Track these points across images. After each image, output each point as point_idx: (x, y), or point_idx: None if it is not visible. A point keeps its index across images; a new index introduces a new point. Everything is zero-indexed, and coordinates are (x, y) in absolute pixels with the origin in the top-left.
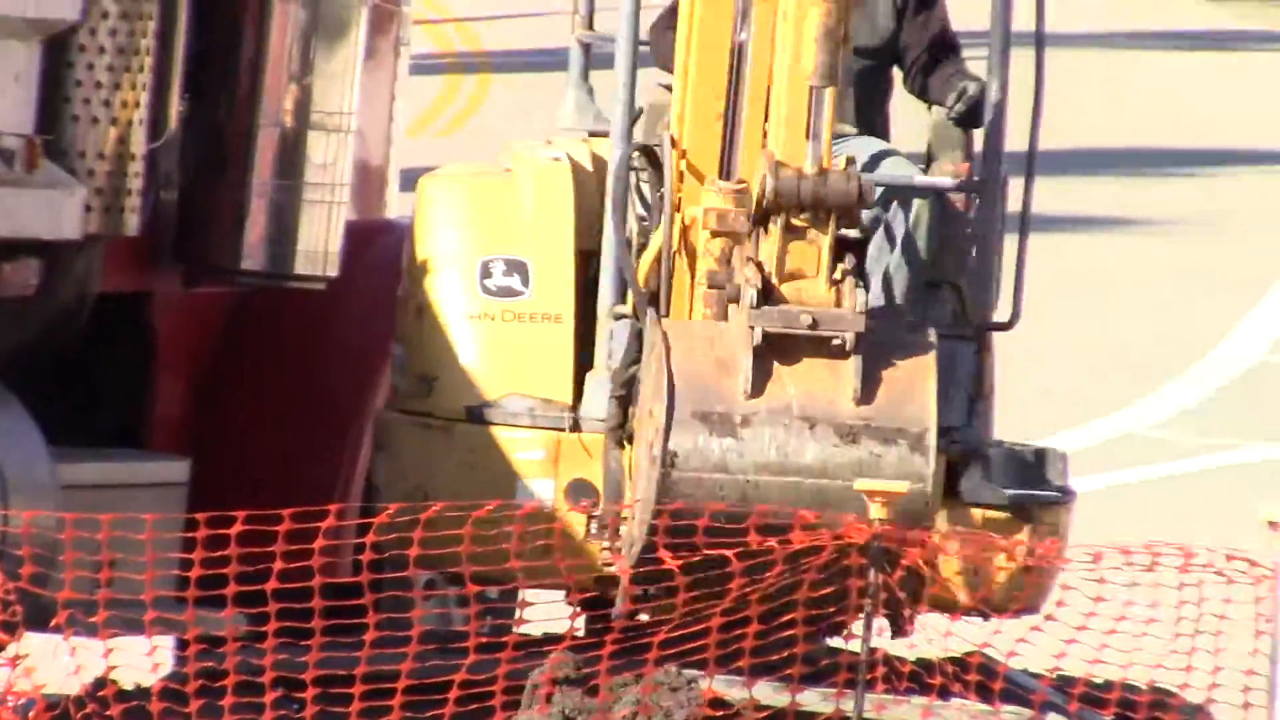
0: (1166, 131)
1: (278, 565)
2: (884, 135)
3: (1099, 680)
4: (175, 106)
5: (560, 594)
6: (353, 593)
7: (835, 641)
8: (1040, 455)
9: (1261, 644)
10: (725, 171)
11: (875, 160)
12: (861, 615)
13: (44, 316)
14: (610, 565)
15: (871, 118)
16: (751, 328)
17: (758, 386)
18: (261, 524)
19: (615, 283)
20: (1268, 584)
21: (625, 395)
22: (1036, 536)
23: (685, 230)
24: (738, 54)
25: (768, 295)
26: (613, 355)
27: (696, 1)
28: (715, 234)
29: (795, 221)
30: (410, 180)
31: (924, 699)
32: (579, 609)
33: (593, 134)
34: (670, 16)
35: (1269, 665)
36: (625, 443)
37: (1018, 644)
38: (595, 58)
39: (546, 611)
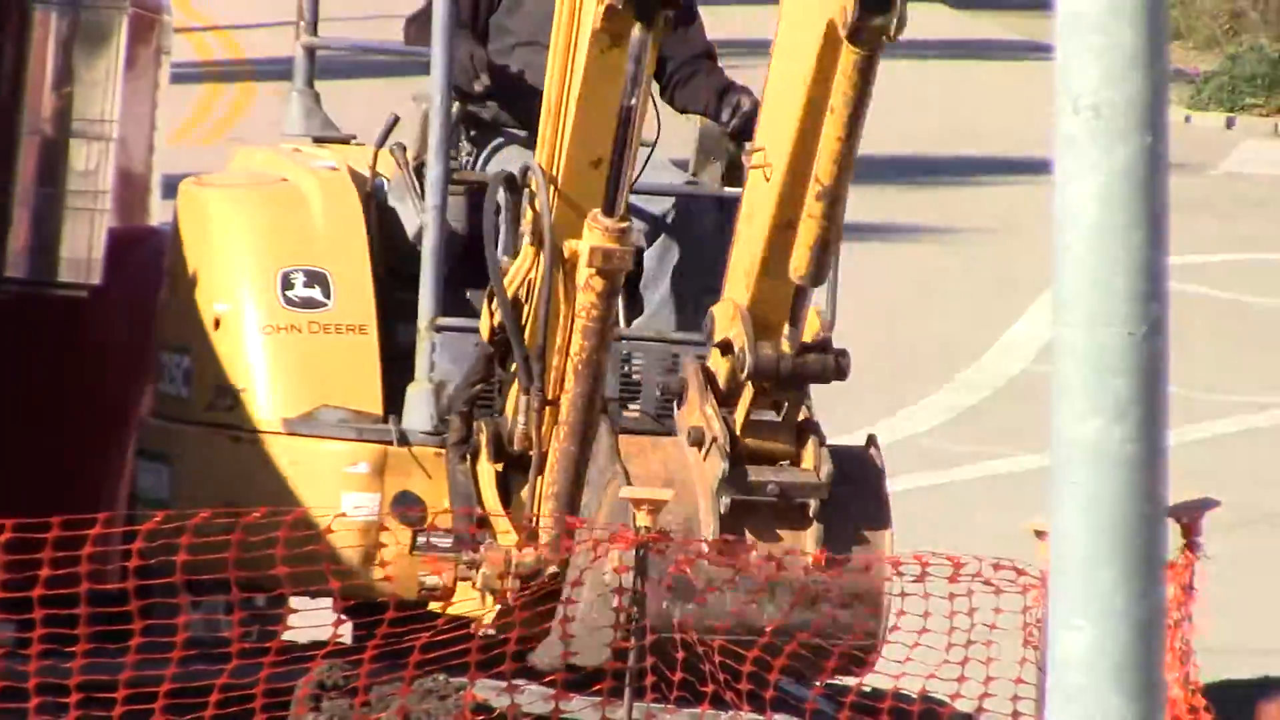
0: (932, 140)
1: (44, 573)
2: None
3: (869, 689)
4: None
5: (326, 601)
6: (120, 601)
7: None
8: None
9: (1029, 653)
10: (609, 208)
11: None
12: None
13: None
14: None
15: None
16: (719, 497)
17: (723, 551)
18: (28, 531)
19: (434, 295)
20: (1034, 593)
21: (468, 411)
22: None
23: (567, 260)
24: (625, 115)
25: (734, 452)
26: (434, 368)
27: (582, 65)
28: (600, 271)
29: (765, 385)
30: (172, 187)
31: (694, 709)
32: (343, 616)
33: (317, 140)
34: (423, 19)
35: (1036, 674)
36: (468, 456)
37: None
38: (320, 66)
39: (311, 619)
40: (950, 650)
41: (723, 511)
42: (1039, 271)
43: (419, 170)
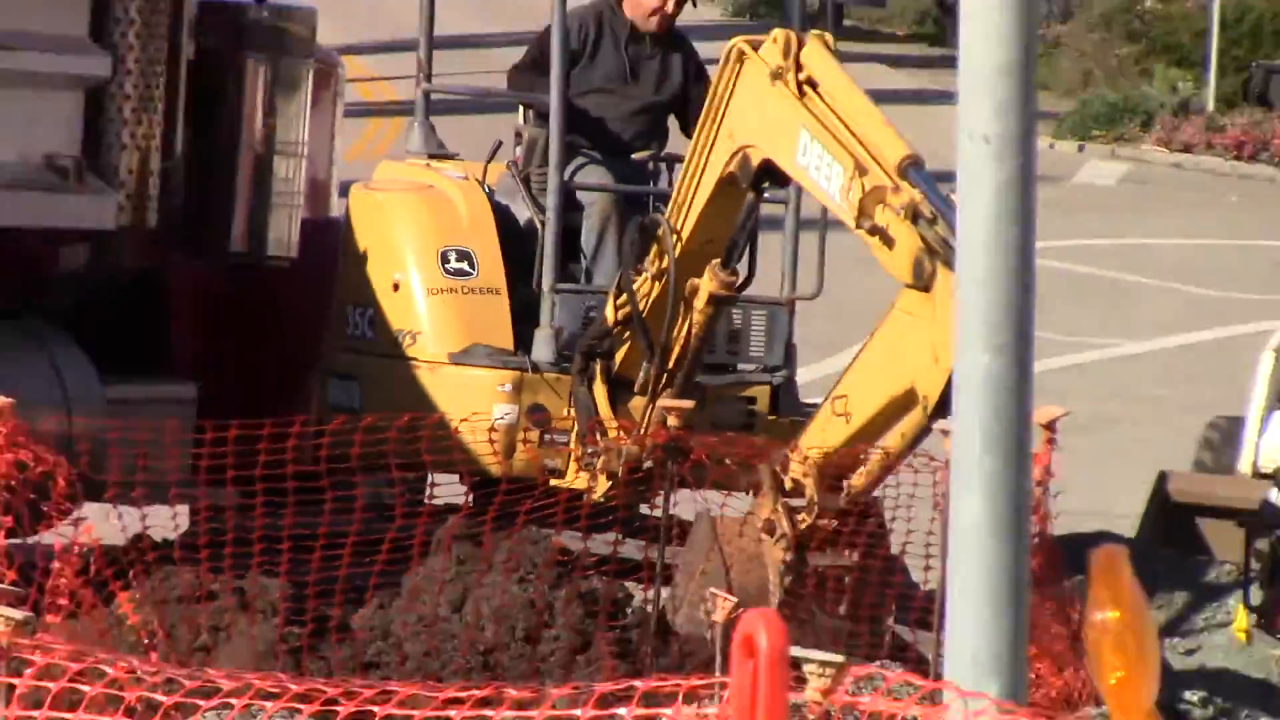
0: None
1: (262, 457)
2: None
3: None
4: (180, 137)
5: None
6: (316, 477)
7: None
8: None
9: (937, 514)
10: (725, 262)
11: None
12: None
13: (91, 283)
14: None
15: (661, 142)
16: (784, 576)
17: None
18: (250, 429)
19: (554, 267)
20: (941, 474)
21: (587, 353)
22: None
23: (687, 292)
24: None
25: (795, 543)
26: (554, 318)
27: (707, 189)
28: (711, 302)
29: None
30: (345, 189)
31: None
32: (470, 489)
33: (432, 156)
34: (531, 67)
35: (942, 530)
36: (588, 380)
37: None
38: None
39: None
40: (886, 508)
41: (785, 585)
42: None
43: (525, 180)
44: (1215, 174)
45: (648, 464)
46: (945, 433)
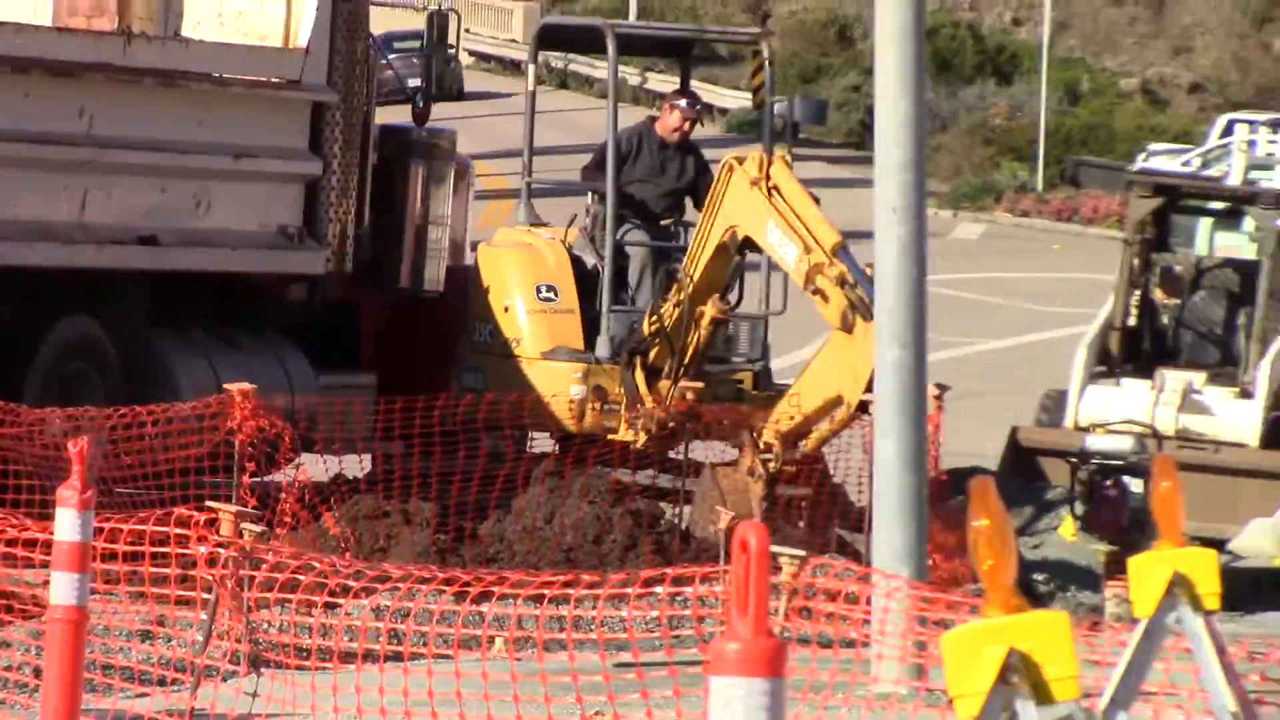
0: None
1: (418, 421)
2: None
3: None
4: (366, 212)
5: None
6: (454, 434)
7: None
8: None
9: (866, 453)
10: (722, 295)
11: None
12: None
13: (308, 309)
14: (611, 425)
15: (681, 213)
16: (762, 504)
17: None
18: (410, 402)
19: (610, 295)
20: (869, 428)
21: (630, 352)
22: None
23: (696, 315)
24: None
25: (768, 483)
26: (610, 329)
27: (709, 252)
28: (712, 322)
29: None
30: (474, 246)
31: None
32: (557, 442)
33: (533, 225)
34: (595, 167)
35: (869, 464)
36: (631, 368)
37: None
38: (535, 189)
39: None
40: (832, 453)
41: (762, 508)
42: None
43: (592, 238)
44: (1044, 230)
45: (671, 425)
46: (868, 402)
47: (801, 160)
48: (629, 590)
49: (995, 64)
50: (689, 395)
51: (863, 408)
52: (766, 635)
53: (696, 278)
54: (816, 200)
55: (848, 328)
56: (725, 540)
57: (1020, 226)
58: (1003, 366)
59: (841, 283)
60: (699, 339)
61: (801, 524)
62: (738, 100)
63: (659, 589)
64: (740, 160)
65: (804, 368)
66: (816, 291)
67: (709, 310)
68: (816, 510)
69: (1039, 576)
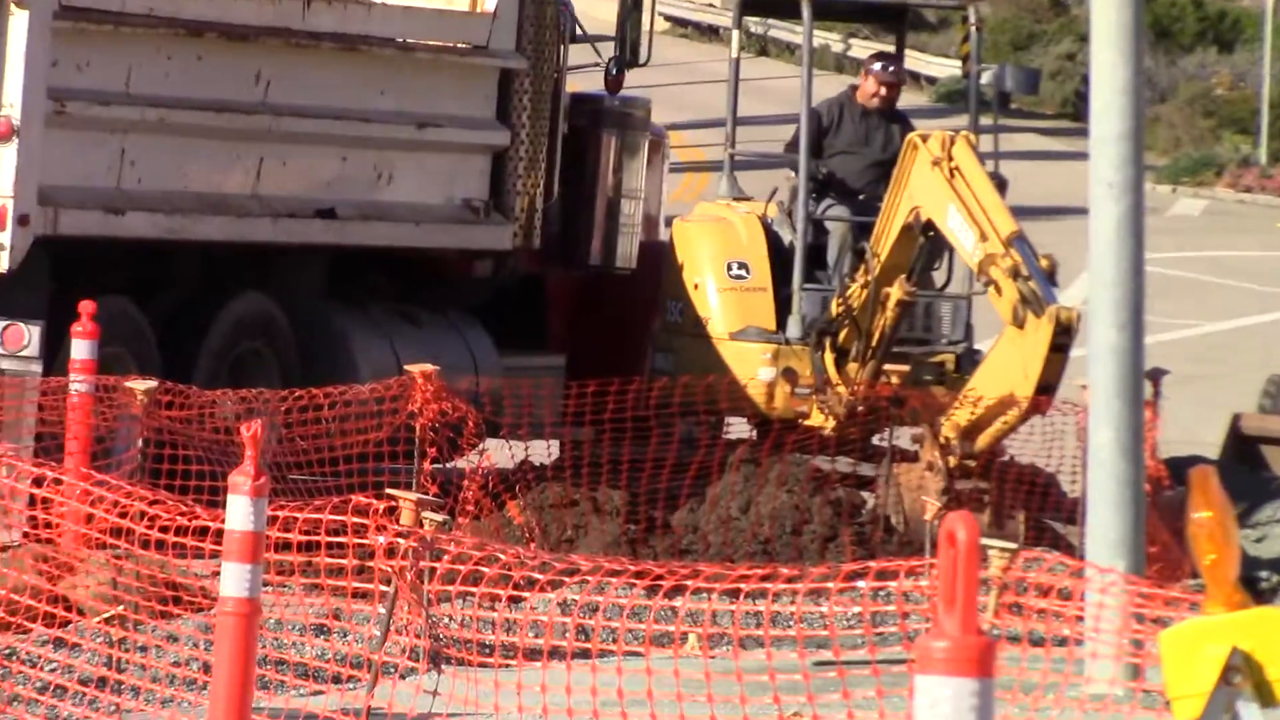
0: (1026, 198)
1: (609, 406)
2: None
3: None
4: (556, 186)
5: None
6: (646, 419)
7: None
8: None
9: (1079, 444)
10: (909, 277)
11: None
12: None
13: (494, 286)
14: (802, 409)
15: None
16: (941, 497)
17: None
18: (601, 386)
19: (801, 273)
20: (1082, 415)
21: (820, 332)
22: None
23: (882, 298)
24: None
25: (948, 477)
26: (802, 308)
27: (895, 233)
28: (899, 305)
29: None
30: (668, 221)
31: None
32: (754, 428)
33: (735, 199)
34: (794, 142)
35: (1083, 453)
36: (821, 350)
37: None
38: (738, 162)
39: (739, 429)
40: (1044, 441)
41: (940, 504)
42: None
43: (790, 213)
44: (1268, 207)
45: (860, 409)
46: (1084, 386)
47: (1013, 132)
48: (830, 585)
49: (1217, 31)
50: (894, 379)
51: (1045, 391)
52: (975, 632)
53: (884, 258)
54: (1002, 185)
55: (1019, 323)
56: (932, 533)
57: (1242, 203)
58: (1224, 350)
59: (1015, 275)
60: (885, 321)
61: (983, 517)
62: (946, 69)
63: (861, 583)
64: (924, 138)
65: (982, 360)
66: (990, 283)
67: (895, 292)
68: (998, 505)
69: (1263, 572)
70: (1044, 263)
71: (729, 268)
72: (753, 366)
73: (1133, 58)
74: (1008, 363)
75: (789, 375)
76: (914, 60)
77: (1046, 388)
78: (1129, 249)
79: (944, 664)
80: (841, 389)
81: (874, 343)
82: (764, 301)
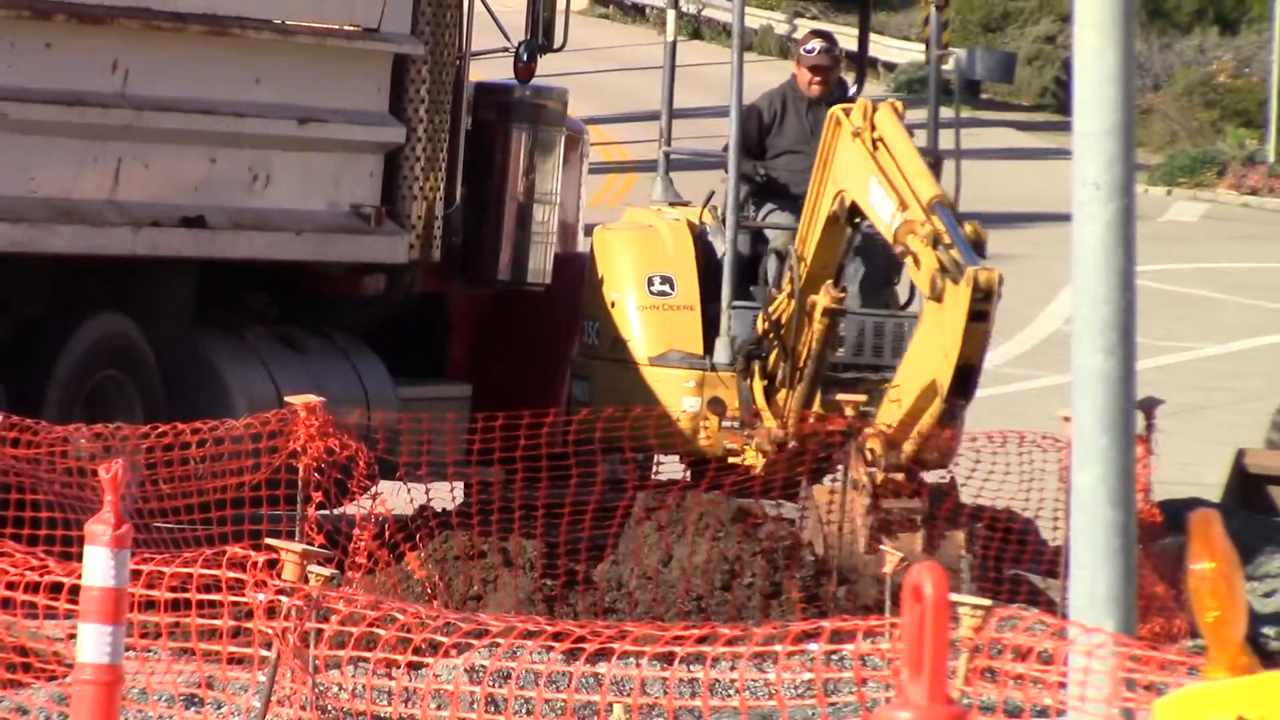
0: (1002, 202)
1: (521, 443)
2: None
3: (979, 504)
4: (458, 190)
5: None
6: (565, 457)
7: None
8: None
9: (1061, 484)
10: (835, 283)
11: None
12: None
13: (387, 305)
14: (732, 446)
15: None
16: (868, 519)
17: (869, 550)
18: (512, 420)
19: (731, 288)
20: (1065, 451)
21: (748, 356)
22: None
23: (809, 307)
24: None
25: (874, 495)
26: (731, 329)
27: (819, 228)
28: (825, 314)
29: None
30: (589, 230)
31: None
32: (687, 467)
33: (670, 204)
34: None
35: (1066, 495)
36: (748, 377)
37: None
38: (673, 161)
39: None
40: (1021, 482)
41: (870, 526)
42: (1061, 274)
43: (723, 220)
44: (1276, 211)
45: (792, 444)
46: (1066, 419)
47: (984, 126)
48: (777, 647)
49: (1217, 9)
50: (848, 410)
51: (953, 393)
52: (945, 701)
53: (809, 259)
54: (936, 163)
55: (937, 295)
56: (893, 586)
57: (1247, 206)
58: (1225, 376)
59: (935, 242)
60: (813, 336)
61: (915, 541)
62: (906, 52)
63: (813, 645)
64: (848, 110)
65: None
66: (906, 253)
67: (821, 299)
68: (932, 526)
69: (1270, 630)
70: (969, 229)
71: (650, 282)
72: (675, 396)
73: (1122, 41)
74: (929, 346)
75: (715, 406)
76: (872, 44)
77: (967, 368)
78: (1118, 260)
79: None
80: (770, 421)
81: (801, 363)
82: (690, 321)
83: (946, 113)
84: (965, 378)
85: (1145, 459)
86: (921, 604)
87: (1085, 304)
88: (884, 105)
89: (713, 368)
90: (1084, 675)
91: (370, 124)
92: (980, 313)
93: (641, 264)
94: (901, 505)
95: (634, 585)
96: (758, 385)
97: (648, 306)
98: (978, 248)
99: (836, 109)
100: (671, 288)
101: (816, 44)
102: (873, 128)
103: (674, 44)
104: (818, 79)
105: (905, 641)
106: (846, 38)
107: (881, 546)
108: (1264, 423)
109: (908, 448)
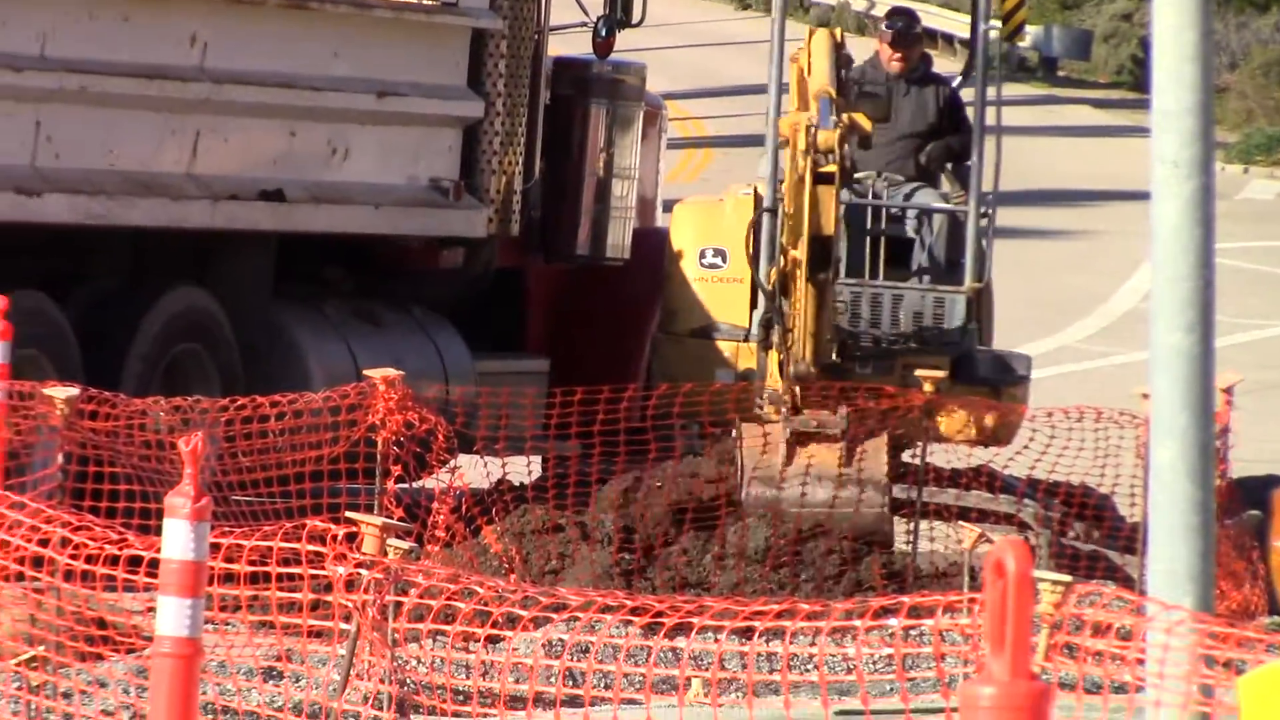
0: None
1: (600, 417)
2: (932, 182)
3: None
4: (537, 164)
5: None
6: (642, 431)
7: None
8: (1010, 356)
9: (1139, 461)
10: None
11: (913, 192)
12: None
13: (466, 280)
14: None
15: (921, 170)
16: (786, 430)
17: (788, 461)
18: (590, 394)
19: (769, 258)
20: (1143, 428)
21: (766, 321)
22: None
23: (790, 265)
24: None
25: (795, 409)
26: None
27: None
28: (797, 267)
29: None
30: (668, 206)
31: (955, 490)
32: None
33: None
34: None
35: (1145, 472)
36: (765, 350)
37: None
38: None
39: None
40: (1097, 458)
41: (787, 438)
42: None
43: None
44: None
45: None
46: (1144, 396)
47: (1061, 104)
48: (856, 623)
49: None
50: (926, 386)
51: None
52: (1028, 677)
53: (789, 208)
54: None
55: (800, 175)
56: (972, 563)
57: None
58: None
59: (808, 128)
60: (798, 296)
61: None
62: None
63: (893, 621)
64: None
65: None
66: (785, 142)
67: (797, 252)
68: (853, 436)
69: None
70: (845, 120)
71: (702, 256)
72: (712, 368)
73: (1201, 18)
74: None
75: (746, 378)
76: (942, 20)
77: (822, 242)
78: (1197, 238)
79: (992, 713)
80: (775, 383)
81: (790, 324)
82: (738, 294)
83: (1018, 90)
84: (823, 249)
85: (1224, 436)
86: (1003, 580)
87: (1164, 282)
88: (819, 31)
89: (746, 339)
90: (1163, 652)
91: (449, 98)
92: (825, 176)
93: (697, 238)
94: (819, 419)
95: (716, 559)
96: (774, 356)
97: (697, 279)
98: (856, 132)
99: (794, 53)
100: (724, 260)
101: (898, 20)
102: (809, 53)
103: (783, 21)
104: (898, 55)
105: (987, 617)
106: (928, 14)
107: (961, 524)
108: None
109: (806, 353)
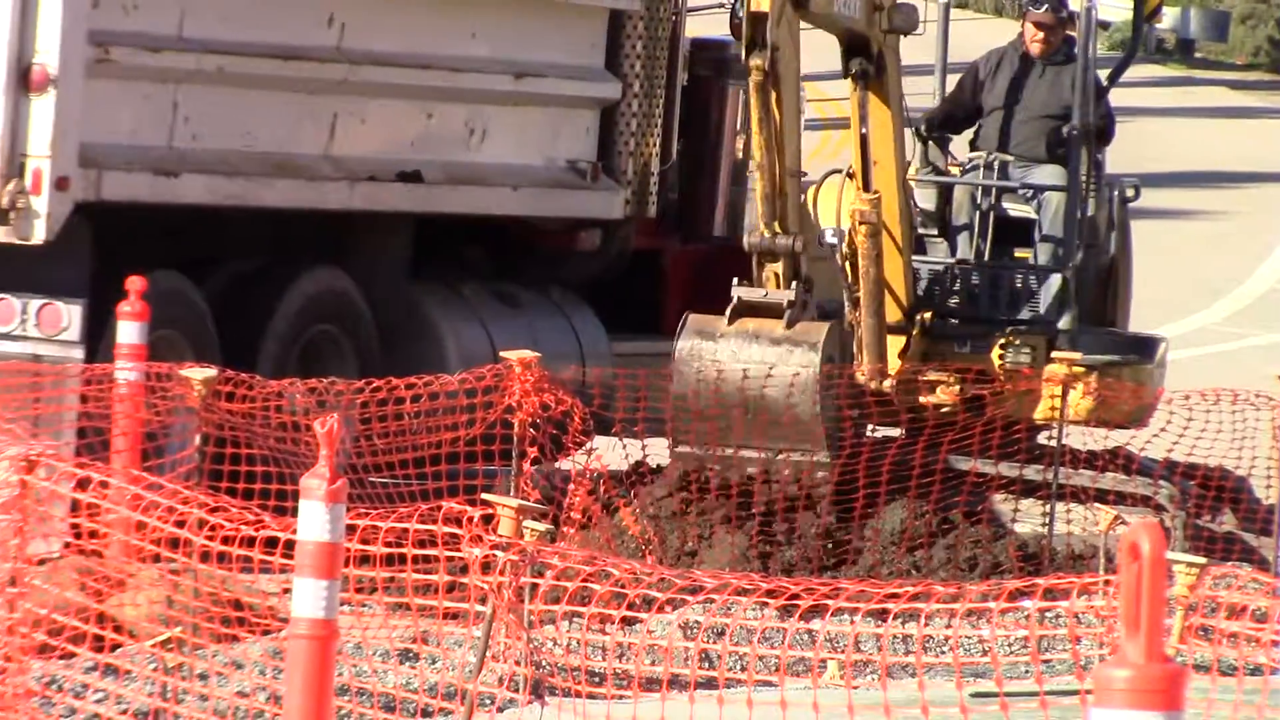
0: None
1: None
2: (1060, 162)
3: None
4: (674, 146)
5: None
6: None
7: None
8: (1143, 338)
9: (1274, 442)
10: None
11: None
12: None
13: (603, 261)
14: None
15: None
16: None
17: (731, 322)
18: None
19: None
20: (1278, 411)
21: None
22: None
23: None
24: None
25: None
26: None
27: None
28: (861, 220)
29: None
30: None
31: (1091, 472)
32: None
33: (952, 164)
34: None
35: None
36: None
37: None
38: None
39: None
40: (1233, 440)
41: (733, 305)
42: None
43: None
44: None
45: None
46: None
47: (1198, 85)
48: (991, 605)
49: None
50: (1065, 367)
51: None
52: (1163, 660)
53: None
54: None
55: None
56: (1107, 546)
57: None
58: None
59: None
60: (859, 254)
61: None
62: (1121, 11)
63: (1027, 603)
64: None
65: None
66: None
67: (856, 204)
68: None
69: None
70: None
71: (821, 236)
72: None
73: None
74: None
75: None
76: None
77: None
78: None
79: (1126, 695)
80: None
81: (857, 290)
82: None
83: (1155, 72)
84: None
85: None
86: (1138, 562)
87: None
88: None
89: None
90: None
91: (586, 79)
92: None
93: (819, 218)
94: (768, 291)
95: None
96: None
97: (816, 259)
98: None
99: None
100: (842, 240)
101: (1045, 2)
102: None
103: (948, 4)
104: (1039, 36)
105: (1122, 600)
106: None
107: (1097, 506)
108: None
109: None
